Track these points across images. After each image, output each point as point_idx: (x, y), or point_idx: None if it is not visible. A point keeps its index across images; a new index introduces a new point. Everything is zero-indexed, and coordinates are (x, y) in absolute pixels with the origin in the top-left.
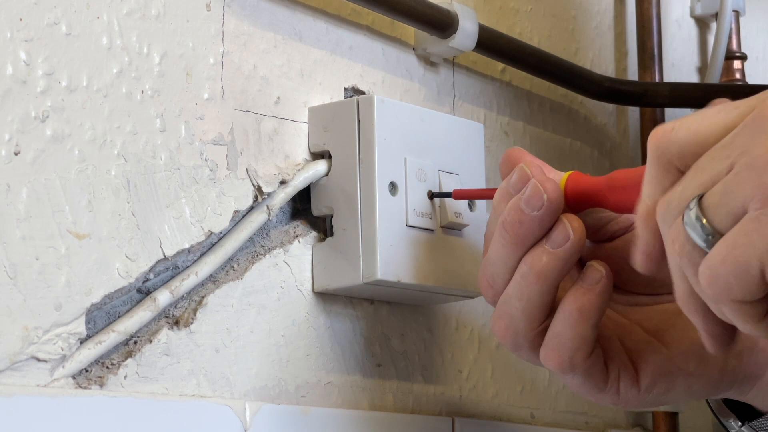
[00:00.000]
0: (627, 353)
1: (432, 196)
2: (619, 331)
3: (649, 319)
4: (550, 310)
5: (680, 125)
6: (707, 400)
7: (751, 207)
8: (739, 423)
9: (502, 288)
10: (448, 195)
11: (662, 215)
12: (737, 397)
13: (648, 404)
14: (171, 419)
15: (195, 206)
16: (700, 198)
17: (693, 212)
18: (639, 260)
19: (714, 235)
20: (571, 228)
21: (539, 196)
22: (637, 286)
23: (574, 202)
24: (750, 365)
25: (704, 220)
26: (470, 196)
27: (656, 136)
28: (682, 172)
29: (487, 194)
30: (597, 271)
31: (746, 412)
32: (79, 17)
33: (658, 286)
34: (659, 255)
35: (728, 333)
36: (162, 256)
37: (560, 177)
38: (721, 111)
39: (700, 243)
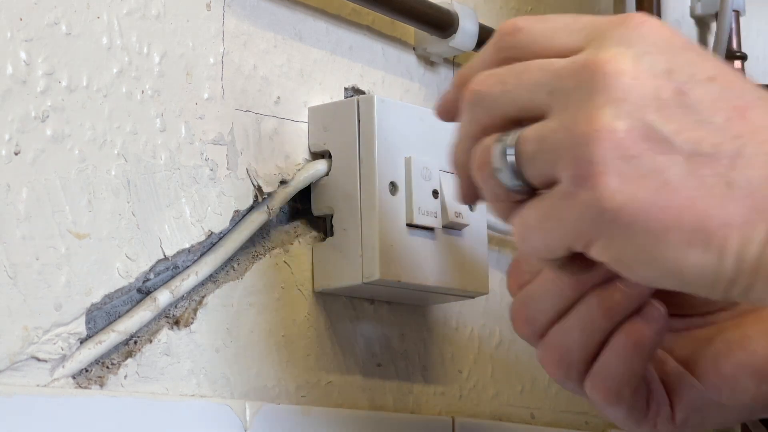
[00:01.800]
0: (663, 386)
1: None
2: (654, 362)
3: (681, 348)
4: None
5: (532, 26)
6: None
7: (564, 179)
8: None
9: (547, 323)
10: None
11: (477, 111)
12: None
13: None
14: (171, 419)
15: (195, 206)
16: (517, 135)
17: (510, 158)
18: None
19: (522, 182)
20: None
21: None
22: (673, 307)
23: None
24: None
25: (515, 166)
26: None
27: (507, 28)
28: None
29: None
30: (656, 309)
31: None
32: (79, 17)
33: (688, 307)
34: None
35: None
36: (162, 256)
37: None
38: (568, 28)
39: (508, 183)
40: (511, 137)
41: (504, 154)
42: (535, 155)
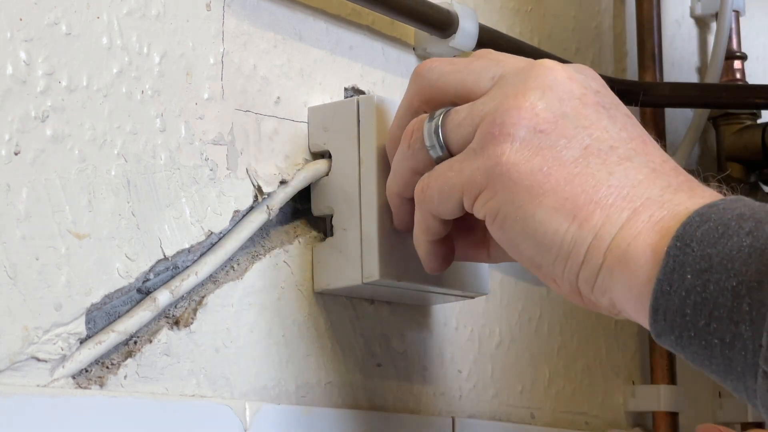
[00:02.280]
0: None
1: None
2: None
3: None
4: None
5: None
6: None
7: (476, 137)
8: None
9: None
10: None
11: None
12: None
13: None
14: (171, 419)
15: (195, 206)
16: (448, 111)
17: (435, 122)
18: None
19: (443, 150)
20: None
21: None
22: None
23: None
24: None
25: (440, 134)
26: None
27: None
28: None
29: None
30: None
31: None
32: (79, 17)
33: None
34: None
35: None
36: (162, 256)
37: None
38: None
39: (431, 152)
40: (443, 112)
41: (437, 128)
42: (461, 123)
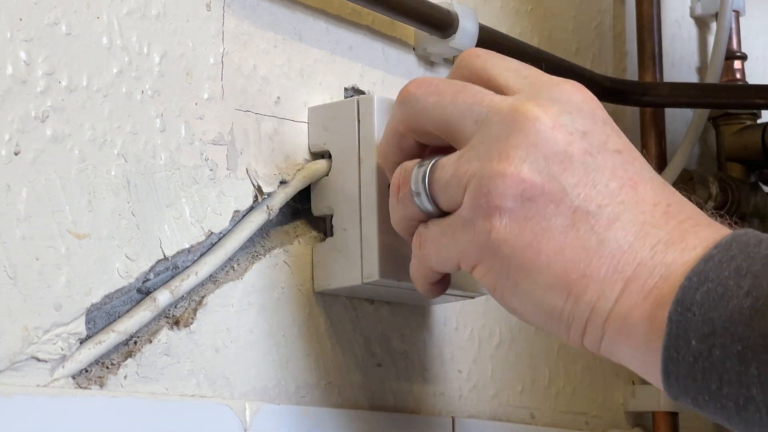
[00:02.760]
0: None
1: None
2: None
3: None
4: None
5: (489, 57)
6: None
7: (465, 204)
8: None
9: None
10: None
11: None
12: None
13: None
14: (171, 419)
15: (195, 206)
16: (436, 162)
17: (423, 171)
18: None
19: (432, 206)
20: None
21: None
22: None
23: None
24: None
25: (429, 192)
26: None
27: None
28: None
29: None
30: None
31: None
32: (79, 17)
33: None
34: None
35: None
36: (162, 256)
37: None
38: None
39: (423, 206)
40: (431, 163)
41: (424, 178)
42: (448, 182)
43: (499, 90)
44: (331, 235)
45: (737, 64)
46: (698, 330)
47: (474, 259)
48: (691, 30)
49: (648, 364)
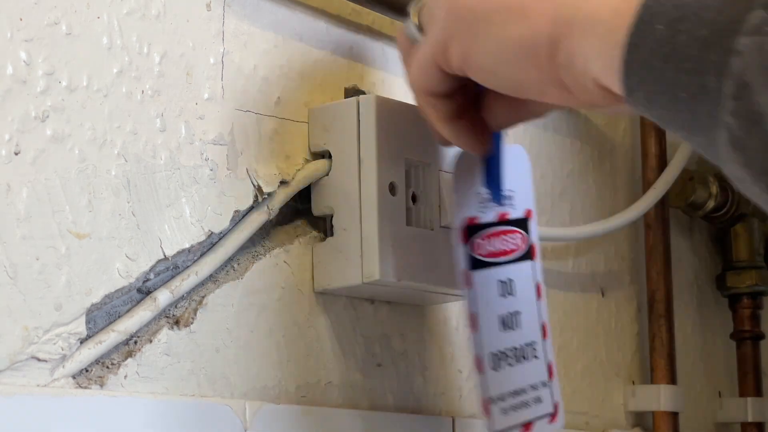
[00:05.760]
0: None
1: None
2: None
3: None
4: None
5: None
6: None
7: (437, 9)
8: None
9: None
10: None
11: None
12: None
13: None
14: (171, 419)
15: (195, 206)
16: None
17: (412, 11)
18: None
19: (420, 31)
20: None
21: None
22: None
23: None
24: None
25: (416, 19)
26: None
27: None
28: None
29: None
30: None
31: None
32: (79, 17)
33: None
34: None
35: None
36: (162, 256)
37: None
38: None
39: (409, 35)
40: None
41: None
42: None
43: None
44: (332, 235)
45: None
46: (667, 15)
47: (448, 35)
48: None
49: (609, 59)
